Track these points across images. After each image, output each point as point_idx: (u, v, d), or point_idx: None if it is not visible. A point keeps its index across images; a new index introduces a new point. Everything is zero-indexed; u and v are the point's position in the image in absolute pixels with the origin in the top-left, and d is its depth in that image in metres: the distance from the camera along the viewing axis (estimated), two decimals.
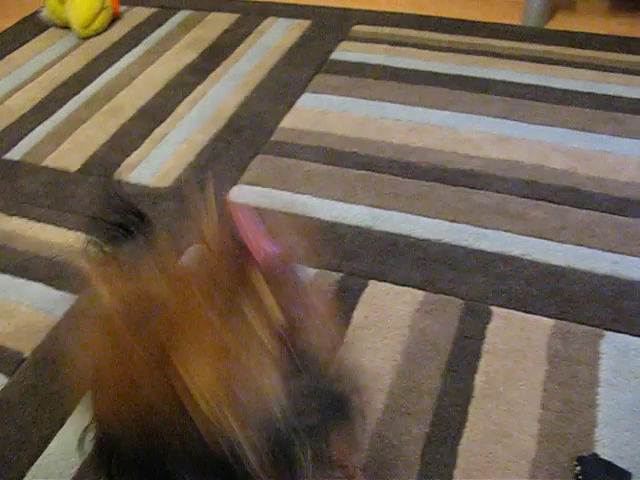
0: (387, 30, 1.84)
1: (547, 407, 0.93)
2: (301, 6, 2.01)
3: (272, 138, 1.46)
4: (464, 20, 1.88)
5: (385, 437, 0.89)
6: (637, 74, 1.62)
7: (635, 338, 1.01)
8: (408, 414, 0.92)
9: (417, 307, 1.06)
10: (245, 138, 1.47)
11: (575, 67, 1.65)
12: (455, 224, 1.20)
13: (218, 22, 1.94)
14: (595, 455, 0.87)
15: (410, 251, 1.16)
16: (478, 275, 1.11)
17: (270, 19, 1.94)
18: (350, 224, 1.22)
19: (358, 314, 1.05)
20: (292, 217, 1.19)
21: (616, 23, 1.89)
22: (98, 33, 1.91)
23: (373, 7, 1.98)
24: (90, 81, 1.71)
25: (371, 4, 2.00)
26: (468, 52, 1.72)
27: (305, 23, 1.91)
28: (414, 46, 1.76)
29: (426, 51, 1.73)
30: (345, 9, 1.98)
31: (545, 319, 1.04)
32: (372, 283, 1.10)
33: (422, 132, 1.43)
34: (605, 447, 0.88)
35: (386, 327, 1.03)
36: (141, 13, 2.02)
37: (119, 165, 1.41)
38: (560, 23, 1.89)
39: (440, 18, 1.90)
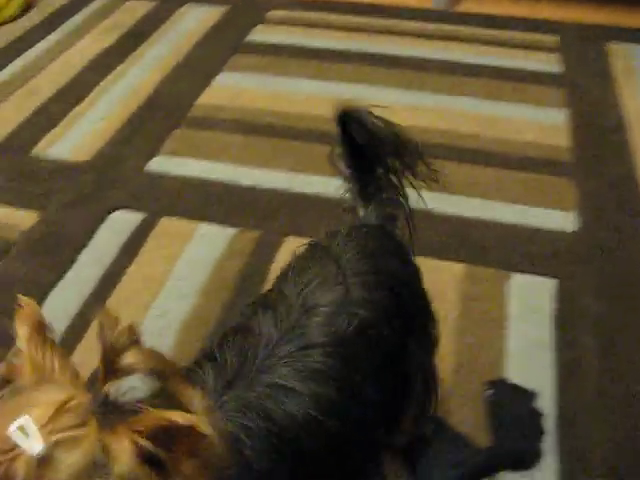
0: (301, 14, 1.89)
1: (461, 342, 0.98)
2: None
3: (190, 114, 1.48)
4: (375, 4, 1.95)
5: None
6: (535, 49, 1.72)
7: (538, 277, 1.08)
8: None
9: None
10: (163, 114, 1.48)
11: (480, 44, 1.74)
12: None
13: (135, 9, 1.95)
14: (503, 380, 0.93)
15: (326, 208, 1.19)
16: None
17: (187, 5, 1.96)
18: (267, 188, 1.26)
19: (276, 267, 1.08)
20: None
21: (517, 6, 1.99)
22: (12, 19, 1.88)
23: None
24: (3, 66, 1.69)
25: None
26: (379, 32, 1.78)
27: (222, 9, 1.93)
28: (327, 27, 1.81)
29: (339, 32, 1.78)
30: None
31: (456, 264, 1.10)
32: (289, 239, 1.14)
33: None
34: (513, 374, 0.94)
35: None
36: (55, 2, 2.01)
37: (37, 142, 1.41)
38: (467, 7, 1.97)
39: (352, 2, 1.95)
